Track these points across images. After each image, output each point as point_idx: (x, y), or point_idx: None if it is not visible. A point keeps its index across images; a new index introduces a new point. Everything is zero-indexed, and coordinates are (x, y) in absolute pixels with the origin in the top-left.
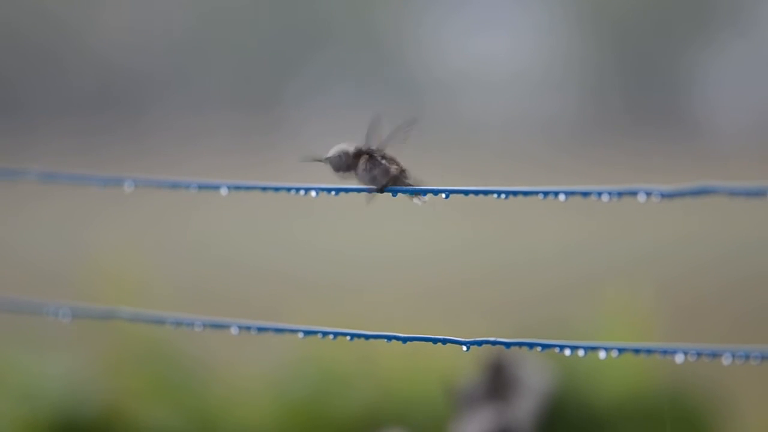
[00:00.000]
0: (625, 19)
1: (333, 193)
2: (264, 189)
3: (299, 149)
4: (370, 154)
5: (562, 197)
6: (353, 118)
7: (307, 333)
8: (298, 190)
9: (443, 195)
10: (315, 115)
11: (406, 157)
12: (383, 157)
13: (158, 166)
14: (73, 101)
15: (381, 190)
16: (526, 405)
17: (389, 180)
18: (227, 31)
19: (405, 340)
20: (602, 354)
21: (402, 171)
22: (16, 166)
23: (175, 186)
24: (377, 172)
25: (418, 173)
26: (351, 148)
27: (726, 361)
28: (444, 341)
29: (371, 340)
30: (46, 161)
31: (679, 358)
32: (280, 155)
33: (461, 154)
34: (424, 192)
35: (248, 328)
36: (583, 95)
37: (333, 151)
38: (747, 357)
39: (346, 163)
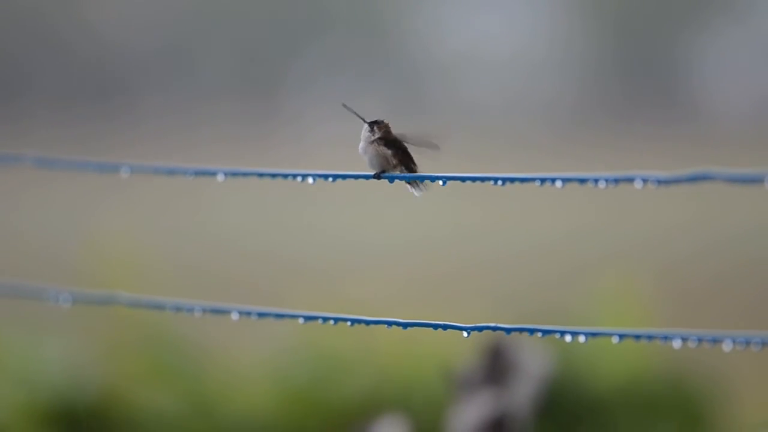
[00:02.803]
0: (625, 2)
1: (330, 179)
2: (261, 175)
3: (299, 136)
4: (398, 145)
5: (559, 184)
6: (352, 103)
7: (307, 318)
8: (294, 176)
9: (440, 182)
10: (315, 102)
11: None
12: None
13: (157, 152)
14: (72, 89)
15: (378, 177)
16: (524, 390)
17: (389, 168)
18: (227, 19)
19: (405, 325)
20: (602, 339)
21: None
22: (13, 151)
23: (171, 172)
24: (396, 159)
25: (418, 157)
26: (382, 131)
27: (726, 347)
28: (444, 327)
29: (371, 326)
30: (43, 148)
31: (679, 344)
32: (279, 142)
33: (460, 138)
34: (422, 179)
35: (248, 313)
36: (583, 79)
37: (370, 123)
38: (747, 343)
39: (371, 136)
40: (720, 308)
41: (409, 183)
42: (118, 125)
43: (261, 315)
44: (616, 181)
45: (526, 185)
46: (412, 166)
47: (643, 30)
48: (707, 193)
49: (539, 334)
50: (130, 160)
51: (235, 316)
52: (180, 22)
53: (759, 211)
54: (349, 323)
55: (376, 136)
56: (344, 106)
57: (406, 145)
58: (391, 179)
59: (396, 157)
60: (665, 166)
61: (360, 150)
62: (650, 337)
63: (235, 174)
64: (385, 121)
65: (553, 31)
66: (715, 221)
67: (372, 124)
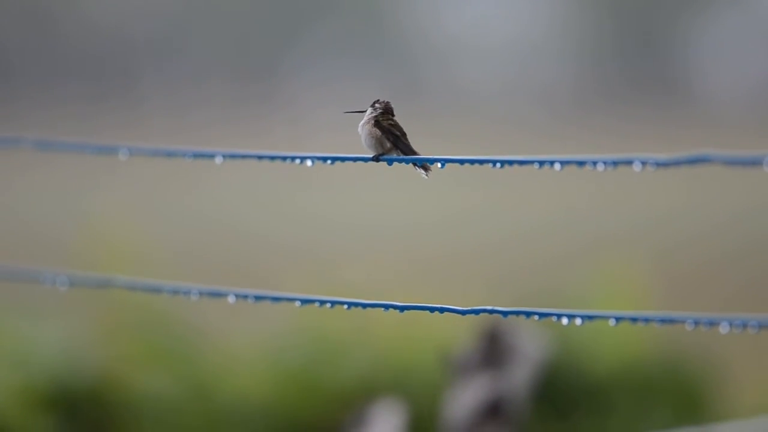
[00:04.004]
0: None
1: (329, 162)
2: (259, 158)
3: (295, 119)
4: (391, 129)
5: (557, 166)
6: (349, 88)
7: (304, 302)
8: (293, 159)
9: (439, 164)
10: (312, 86)
11: (404, 126)
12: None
13: (155, 134)
14: (69, 69)
15: (377, 159)
16: (521, 373)
17: (386, 151)
18: (224, 1)
19: (402, 308)
20: (599, 322)
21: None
22: (11, 134)
23: (170, 154)
24: (391, 140)
25: (415, 142)
26: (378, 113)
27: (723, 329)
28: (441, 310)
29: (367, 309)
30: (42, 129)
31: (676, 327)
32: (275, 126)
33: (458, 122)
34: (420, 161)
35: (245, 296)
36: (581, 62)
37: (374, 101)
38: (744, 325)
39: (372, 111)
40: (717, 291)
41: (417, 166)
42: (112, 108)
43: (258, 298)
44: (615, 163)
45: (524, 168)
46: (409, 150)
47: (640, 13)
48: (705, 177)
49: (536, 317)
50: (126, 143)
51: (232, 299)
52: (177, 2)
53: (756, 194)
54: (345, 306)
55: (377, 112)
56: (346, 113)
57: (403, 131)
58: (390, 162)
59: (389, 139)
60: (663, 149)
61: (359, 128)
62: (647, 320)
63: (233, 156)
64: (386, 101)
65: (550, 15)
66: (713, 205)
67: (375, 102)
